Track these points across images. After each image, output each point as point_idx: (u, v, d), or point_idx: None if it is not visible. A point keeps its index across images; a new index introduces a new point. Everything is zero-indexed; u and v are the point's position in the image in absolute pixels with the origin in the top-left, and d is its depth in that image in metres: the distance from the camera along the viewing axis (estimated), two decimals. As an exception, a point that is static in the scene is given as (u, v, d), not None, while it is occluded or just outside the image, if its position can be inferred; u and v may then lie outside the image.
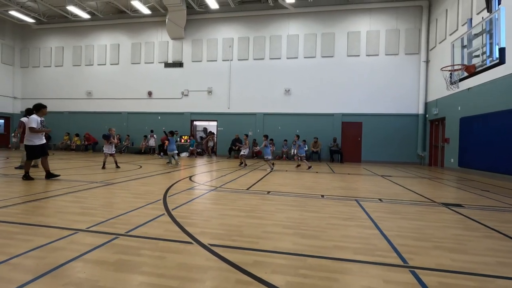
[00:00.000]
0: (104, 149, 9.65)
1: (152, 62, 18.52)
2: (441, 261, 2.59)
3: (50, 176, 6.68)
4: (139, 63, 18.71)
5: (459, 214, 4.42)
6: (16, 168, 8.29)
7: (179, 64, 18.14)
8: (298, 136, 11.89)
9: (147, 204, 4.43)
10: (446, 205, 5.09)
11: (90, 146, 18.69)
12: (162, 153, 14.74)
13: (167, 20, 17.21)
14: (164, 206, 4.36)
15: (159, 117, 18.42)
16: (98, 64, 19.34)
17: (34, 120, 6.44)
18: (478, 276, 2.30)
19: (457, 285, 2.15)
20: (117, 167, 9.38)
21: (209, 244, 2.83)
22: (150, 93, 18.48)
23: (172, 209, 4.15)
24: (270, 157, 10.73)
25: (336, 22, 16.17)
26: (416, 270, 2.37)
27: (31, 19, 18.96)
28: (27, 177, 6.48)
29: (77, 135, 19.00)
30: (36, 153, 6.64)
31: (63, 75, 19.86)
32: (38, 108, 6.69)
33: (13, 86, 20.41)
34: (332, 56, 16.21)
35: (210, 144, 17.53)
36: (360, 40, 15.86)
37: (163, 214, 3.89)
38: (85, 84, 19.45)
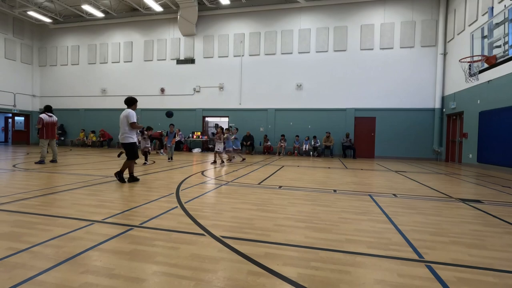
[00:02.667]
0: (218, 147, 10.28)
1: (165, 59, 18.72)
2: (459, 256, 2.52)
3: (134, 179, 5.99)
4: (151, 60, 18.95)
5: (478, 210, 4.28)
6: (36, 163, 8.59)
7: (191, 61, 18.26)
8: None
9: (160, 197, 4.51)
10: (464, 200, 4.93)
11: (105, 142, 19.16)
12: (162, 150, 14.81)
13: (178, 17, 17.32)
14: (177, 199, 4.42)
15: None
16: (112, 62, 19.72)
17: (134, 115, 5.83)
18: (497, 272, 2.23)
19: (476, 280, 2.09)
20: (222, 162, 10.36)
21: (221, 236, 2.85)
22: (162, 90, 18.71)
23: (185, 202, 4.21)
24: (231, 149, 10.98)
25: (348, 15, 15.83)
26: (432, 265, 2.31)
27: (48, 19, 19.49)
28: (133, 178, 5.93)
29: (93, 131, 19.51)
30: (136, 151, 5.97)
31: (79, 73, 20.38)
32: (133, 102, 6.01)
33: (32, 84, 21.11)
34: (344, 50, 15.91)
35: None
36: (373, 33, 15.49)
37: (176, 207, 3.95)
38: (100, 82, 19.90)
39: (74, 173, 6.97)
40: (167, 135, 15.62)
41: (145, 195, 4.61)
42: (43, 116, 8.75)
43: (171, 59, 18.60)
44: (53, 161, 8.99)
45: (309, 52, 16.39)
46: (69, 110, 20.50)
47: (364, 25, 15.61)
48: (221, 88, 17.72)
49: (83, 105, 20.30)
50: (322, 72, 16.15)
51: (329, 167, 10.16)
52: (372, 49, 15.54)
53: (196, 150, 17.12)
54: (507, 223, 3.62)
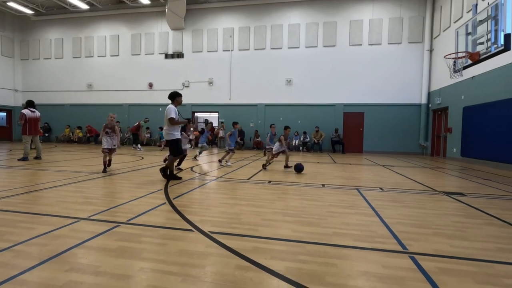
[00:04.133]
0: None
1: (153, 53, 18.38)
2: (441, 247, 2.59)
3: (173, 177, 5.75)
4: (139, 54, 18.58)
5: (460, 202, 4.42)
6: (19, 160, 8.35)
7: (179, 55, 17.99)
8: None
9: (148, 193, 4.46)
10: (448, 193, 5.08)
11: (92, 138, 18.77)
12: (139, 146, 14.16)
13: (166, 10, 16.99)
14: (165, 195, 4.38)
15: (160, 109, 18.36)
16: (98, 56, 19.23)
17: (173, 110, 5.57)
18: (477, 262, 2.31)
19: (456, 270, 2.16)
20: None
21: (209, 231, 2.85)
22: (151, 85, 18.41)
23: (173, 198, 4.18)
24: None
25: (338, 10, 15.89)
26: (415, 256, 2.38)
27: (29, 10, 18.79)
28: (173, 176, 5.72)
29: (79, 127, 19.05)
30: (180, 147, 5.81)
31: (63, 67, 19.80)
32: (174, 97, 5.73)
33: (13, 78, 20.39)
34: (334, 46, 16.00)
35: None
36: (362, 29, 15.61)
37: (164, 203, 3.92)
38: (86, 76, 19.40)
39: (59, 170, 6.81)
40: (146, 128, 15.28)
41: (133, 192, 4.55)
42: (25, 111, 8.48)
43: (159, 53, 18.28)
44: (37, 157, 8.75)
45: (298, 47, 16.40)
46: (53, 105, 19.93)
47: (353, 20, 15.70)
48: (210, 83, 17.56)
49: (69, 100, 19.77)
50: (311, 67, 16.20)
51: (318, 162, 10.26)
52: (361, 45, 15.68)
53: (186, 146, 16.93)
54: (487, 214, 3.76)
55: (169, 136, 5.67)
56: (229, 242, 2.59)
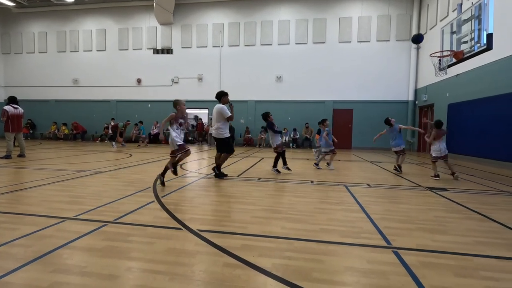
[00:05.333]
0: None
1: (141, 49, 18.05)
2: (423, 241, 2.68)
3: (222, 175, 5.84)
4: (127, 49, 18.21)
5: (443, 198, 4.56)
6: (1, 158, 8.10)
7: (168, 51, 17.73)
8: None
9: (136, 192, 4.42)
10: (431, 189, 5.23)
11: (78, 135, 18.36)
12: (114, 142, 13.81)
13: (154, 4, 16.66)
14: (154, 193, 4.36)
15: (149, 105, 18.14)
16: (84, 51, 18.75)
17: (226, 109, 5.71)
18: (456, 255, 2.40)
19: (437, 263, 2.24)
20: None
21: (198, 229, 2.85)
22: (139, 81, 18.10)
23: (162, 197, 4.16)
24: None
25: (327, 7, 15.95)
26: (398, 251, 2.46)
27: (10, 2, 18.10)
28: (220, 174, 5.79)
29: (64, 124, 18.59)
30: (231, 144, 5.92)
31: (47, 62, 19.21)
32: (221, 96, 5.89)
33: (-5, 73, 19.68)
34: (323, 42, 16.08)
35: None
36: (351, 26, 15.73)
37: (153, 201, 3.89)
38: (72, 71, 18.89)
39: (43, 168, 6.66)
40: (124, 128, 15.02)
41: (120, 190, 4.50)
42: (7, 108, 8.22)
43: (148, 49, 17.97)
44: (21, 155, 8.51)
45: (288, 43, 16.41)
46: (37, 101, 19.36)
47: (342, 17, 15.80)
48: (200, 79, 17.40)
49: (53, 96, 19.24)
50: (301, 64, 16.25)
51: (307, 159, 10.36)
52: (350, 42, 15.81)
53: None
54: (467, 209, 3.89)
55: (221, 134, 5.78)
56: (218, 240, 2.60)
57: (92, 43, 18.60)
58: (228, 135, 5.86)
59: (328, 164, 7.77)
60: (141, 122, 16.25)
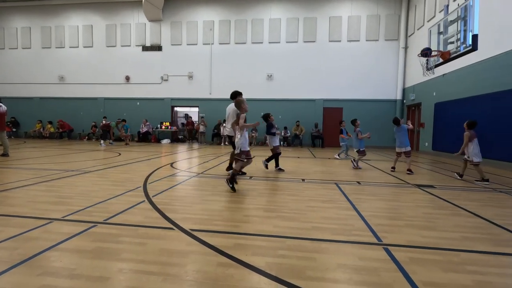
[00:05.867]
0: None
1: (129, 45, 17.72)
2: (412, 238, 2.74)
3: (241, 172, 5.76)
4: (114, 46, 17.84)
5: (431, 195, 4.67)
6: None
7: (157, 48, 17.47)
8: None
9: (126, 191, 4.35)
10: (419, 186, 5.35)
11: (65, 133, 17.91)
12: (102, 141, 13.51)
13: (143, 0, 16.37)
14: (145, 193, 4.29)
15: (138, 103, 17.86)
16: (70, 47, 18.27)
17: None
18: (444, 251, 2.47)
19: (425, 259, 2.29)
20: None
21: (190, 229, 2.83)
22: (127, 78, 17.78)
23: (153, 196, 4.10)
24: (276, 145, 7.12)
25: (318, 6, 16.03)
26: (389, 247, 2.50)
27: (-8, -4, 17.45)
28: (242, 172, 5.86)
29: (50, 122, 18.09)
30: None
31: (31, 58, 18.63)
32: (236, 96, 5.80)
33: (-25, 69, 18.96)
34: (314, 41, 16.16)
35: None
36: (341, 25, 15.87)
37: (143, 201, 3.84)
38: (57, 68, 18.38)
39: (29, 167, 6.47)
40: (117, 127, 14.77)
41: (110, 190, 4.42)
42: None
43: (136, 46, 17.66)
44: (4, 154, 8.25)
45: (279, 42, 16.43)
46: (21, 99, 18.77)
47: (332, 17, 15.91)
48: (190, 77, 17.23)
49: (38, 93, 18.68)
50: (292, 62, 16.30)
51: (298, 157, 10.43)
52: (340, 41, 15.95)
53: (165, 141, 16.63)
54: (454, 205, 4.00)
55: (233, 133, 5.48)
56: (211, 239, 2.59)
57: (79, 39, 18.14)
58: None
59: (355, 161, 7.77)
60: (124, 120, 15.69)
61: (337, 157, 10.22)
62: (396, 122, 7.24)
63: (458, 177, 6.26)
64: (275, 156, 6.85)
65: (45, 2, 18.07)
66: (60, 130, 17.79)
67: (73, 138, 18.09)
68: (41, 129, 18.14)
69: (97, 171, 6.14)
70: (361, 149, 7.80)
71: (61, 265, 2.08)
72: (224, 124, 15.79)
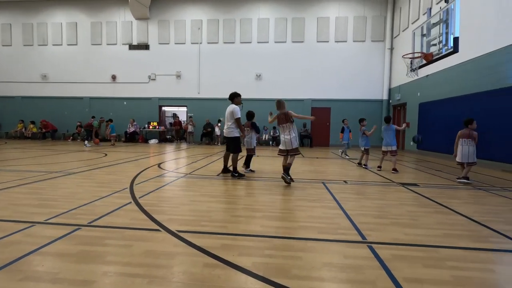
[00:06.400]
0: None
1: (115, 44, 17.37)
2: (396, 235, 2.82)
3: (228, 171, 6.15)
4: (100, 44, 17.46)
5: (415, 193, 4.80)
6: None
7: (145, 46, 17.21)
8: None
9: (112, 193, 4.28)
10: (404, 184, 5.49)
11: (48, 133, 17.41)
12: (86, 142, 13.35)
13: (130, -2, 16.09)
14: (131, 194, 4.24)
15: (125, 103, 17.54)
16: (53, 45, 17.76)
17: (239, 110, 5.87)
18: (426, 247, 2.55)
19: (408, 256, 2.36)
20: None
21: (177, 230, 2.82)
22: (114, 77, 17.43)
23: (139, 197, 4.05)
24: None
25: (306, 7, 16.16)
26: (373, 245, 2.56)
27: (-31, -10, 16.77)
28: (239, 174, 5.90)
29: (32, 122, 17.54)
30: (240, 145, 6.01)
31: (12, 56, 18.00)
32: (234, 97, 6.08)
33: (-48, 67, 18.17)
34: (302, 42, 16.29)
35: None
36: (329, 26, 16.05)
37: (130, 202, 3.79)
38: (40, 66, 17.83)
39: (10, 169, 6.26)
40: (99, 127, 14.44)
41: (95, 192, 4.34)
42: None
43: (123, 44, 17.33)
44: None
45: (268, 42, 16.47)
46: (2, 98, 18.14)
47: (320, 17, 16.08)
48: (178, 76, 17.06)
49: (20, 92, 18.08)
50: (280, 62, 16.38)
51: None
52: (328, 41, 16.13)
53: (153, 141, 16.41)
54: (436, 203, 4.13)
55: (231, 133, 5.87)
56: (198, 240, 2.59)
57: (62, 36, 17.65)
58: (238, 135, 5.97)
59: (363, 164, 7.85)
60: (111, 120, 15.26)
61: (345, 156, 10.36)
62: (388, 120, 7.44)
63: (468, 181, 5.70)
64: (251, 157, 6.79)
65: (27, -2, 17.51)
66: (43, 130, 17.27)
67: (57, 138, 17.61)
68: (23, 129, 17.57)
69: (82, 173, 6.01)
70: (366, 148, 7.88)
71: (44, 269, 2.03)
72: (219, 125, 15.76)
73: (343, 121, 10.22)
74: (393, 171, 6.92)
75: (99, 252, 2.32)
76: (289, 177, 5.12)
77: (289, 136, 5.23)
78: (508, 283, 2.03)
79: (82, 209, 3.46)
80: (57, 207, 3.51)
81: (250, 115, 6.78)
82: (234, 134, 5.92)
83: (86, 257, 2.23)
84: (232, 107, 5.93)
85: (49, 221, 3.02)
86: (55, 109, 17.76)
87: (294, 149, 5.26)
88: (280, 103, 5.52)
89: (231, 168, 6.04)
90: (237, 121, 5.84)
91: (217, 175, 6.10)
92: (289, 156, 5.29)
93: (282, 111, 5.45)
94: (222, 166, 6.42)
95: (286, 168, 5.20)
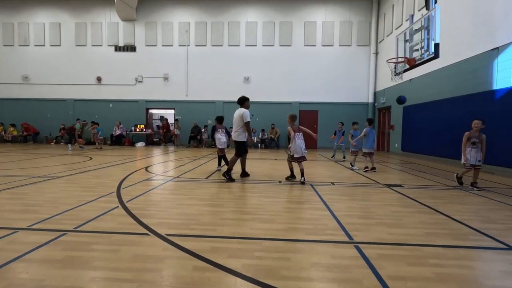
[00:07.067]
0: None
1: (101, 45, 17.06)
2: (381, 235, 2.90)
3: (246, 174, 6.29)
4: (85, 45, 17.10)
5: (399, 194, 4.94)
6: None
7: (131, 48, 16.98)
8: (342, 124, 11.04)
9: (98, 197, 4.20)
10: (389, 185, 5.64)
11: (29, 137, 16.84)
12: (69, 145, 12.89)
13: (116, -1, 15.85)
14: (118, 198, 4.17)
15: (111, 105, 17.21)
16: (36, 45, 17.25)
17: (248, 114, 5.97)
18: (409, 246, 2.64)
19: (392, 255, 2.44)
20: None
21: (166, 234, 2.80)
22: (99, 79, 17.09)
23: (127, 201, 4.00)
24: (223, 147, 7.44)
25: (293, 11, 16.38)
26: (359, 245, 2.63)
27: None
28: (245, 173, 6.18)
29: (13, 125, 16.94)
30: (246, 148, 6.17)
31: (-9, 56, 17.37)
32: (243, 101, 6.19)
33: None
34: (290, 45, 16.48)
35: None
36: (316, 30, 16.32)
37: (117, 206, 3.73)
38: (21, 68, 17.27)
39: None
40: (81, 130, 14.14)
41: (81, 196, 4.24)
42: None
43: (109, 45, 17.04)
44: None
45: (256, 45, 16.58)
46: (-20, 100, 17.43)
47: (307, 22, 16.33)
48: (166, 78, 16.90)
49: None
50: (268, 65, 16.51)
51: (275, 159, 10.56)
52: (315, 45, 16.39)
53: (140, 144, 16.15)
54: (420, 203, 4.27)
55: (240, 137, 5.98)
56: (187, 243, 2.58)
57: (45, 37, 17.18)
58: (245, 139, 6.08)
59: (351, 164, 8.23)
60: (97, 123, 14.86)
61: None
62: (371, 122, 7.89)
63: (475, 188, 5.38)
64: (224, 157, 7.20)
65: (7, -3, 16.96)
66: (25, 133, 16.70)
67: (39, 141, 17.06)
68: (3, 132, 16.94)
69: (66, 177, 5.86)
70: (352, 150, 8.32)
71: (28, 276, 1.98)
72: (231, 128, 15.68)
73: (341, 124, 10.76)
74: (373, 170, 7.46)
75: (86, 257, 2.28)
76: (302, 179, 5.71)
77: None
78: (486, 279, 2.13)
79: (67, 214, 3.39)
80: (41, 212, 3.42)
81: (220, 118, 7.31)
82: (242, 138, 6.01)
83: (72, 262, 2.19)
84: (241, 110, 6.01)
85: (33, 227, 2.94)
86: (37, 111, 17.23)
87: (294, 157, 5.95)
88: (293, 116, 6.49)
89: (238, 171, 6.24)
90: (246, 125, 5.92)
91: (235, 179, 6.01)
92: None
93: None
94: (211, 169, 6.40)
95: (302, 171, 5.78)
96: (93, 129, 14.45)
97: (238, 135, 6.00)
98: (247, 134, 6.04)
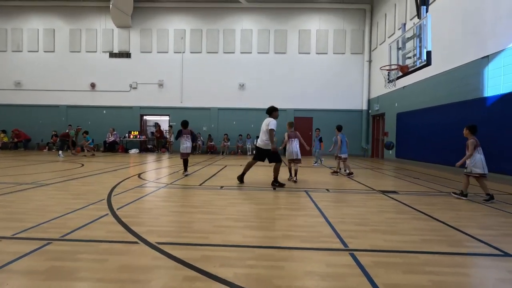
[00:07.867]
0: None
1: (95, 51, 17.00)
2: (376, 242, 2.85)
3: (277, 183, 6.15)
4: (79, 51, 17.03)
5: (394, 200, 4.92)
6: None
7: (126, 55, 16.94)
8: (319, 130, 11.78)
9: (88, 205, 4.09)
10: (384, 192, 5.61)
11: (21, 143, 16.55)
12: (60, 152, 12.47)
13: (111, 6, 15.87)
14: (108, 206, 4.06)
15: (105, 111, 17.07)
16: (29, 51, 17.12)
17: (274, 123, 6.11)
18: (405, 253, 2.59)
19: (387, 262, 2.39)
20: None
21: (156, 242, 2.71)
22: (93, 85, 16.97)
23: (117, 209, 3.89)
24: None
25: (288, 19, 16.58)
26: (354, 252, 2.58)
27: None
28: (277, 182, 6.09)
29: (3, 131, 16.65)
30: (279, 155, 6.37)
31: (-17, 62, 17.16)
32: (272, 111, 6.35)
33: None
34: (284, 53, 16.63)
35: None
36: (310, 38, 16.52)
37: (106, 214, 3.63)
38: (13, 73, 17.08)
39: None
40: (76, 135, 13.94)
41: (69, 204, 4.13)
42: None
43: (103, 52, 16.99)
44: None
45: (251, 52, 16.68)
46: (-30, 106, 17.15)
47: (302, 30, 16.53)
48: (160, 85, 16.86)
49: (-10, 100, 17.19)
50: (263, 73, 16.60)
51: (270, 165, 10.48)
52: (309, 53, 16.56)
53: (134, 151, 15.98)
54: (414, 209, 4.24)
55: (267, 146, 6.11)
56: (177, 252, 2.50)
57: (39, 43, 17.08)
58: (270, 147, 6.13)
59: (345, 170, 8.30)
60: (86, 132, 14.53)
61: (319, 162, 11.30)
62: (340, 128, 8.47)
63: (462, 197, 5.03)
64: (187, 161, 7.54)
65: (1, 3, 16.87)
66: (16, 139, 16.41)
67: (31, 148, 16.78)
68: (-7, 139, 16.62)
69: (55, 184, 5.72)
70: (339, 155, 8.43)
71: (7, 288, 1.88)
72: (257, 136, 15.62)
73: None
74: (351, 175, 7.82)
75: (71, 268, 2.19)
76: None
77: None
78: (481, 285, 2.09)
79: (53, 222, 3.28)
80: (26, 220, 3.30)
81: (185, 123, 7.45)
82: (266, 146, 6.12)
83: (56, 273, 2.09)
84: (268, 120, 6.14)
85: (17, 235, 2.83)
86: (29, 117, 17.00)
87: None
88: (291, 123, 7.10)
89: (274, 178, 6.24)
90: (270, 132, 5.99)
91: (274, 188, 5.90)
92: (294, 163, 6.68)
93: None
94: (203, 176, 6.31)
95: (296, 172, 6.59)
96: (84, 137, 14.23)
97: (266, 144, 6.12)
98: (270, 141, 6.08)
